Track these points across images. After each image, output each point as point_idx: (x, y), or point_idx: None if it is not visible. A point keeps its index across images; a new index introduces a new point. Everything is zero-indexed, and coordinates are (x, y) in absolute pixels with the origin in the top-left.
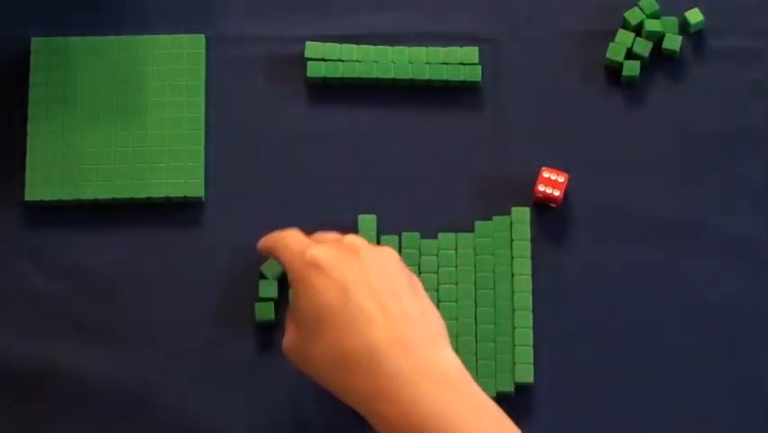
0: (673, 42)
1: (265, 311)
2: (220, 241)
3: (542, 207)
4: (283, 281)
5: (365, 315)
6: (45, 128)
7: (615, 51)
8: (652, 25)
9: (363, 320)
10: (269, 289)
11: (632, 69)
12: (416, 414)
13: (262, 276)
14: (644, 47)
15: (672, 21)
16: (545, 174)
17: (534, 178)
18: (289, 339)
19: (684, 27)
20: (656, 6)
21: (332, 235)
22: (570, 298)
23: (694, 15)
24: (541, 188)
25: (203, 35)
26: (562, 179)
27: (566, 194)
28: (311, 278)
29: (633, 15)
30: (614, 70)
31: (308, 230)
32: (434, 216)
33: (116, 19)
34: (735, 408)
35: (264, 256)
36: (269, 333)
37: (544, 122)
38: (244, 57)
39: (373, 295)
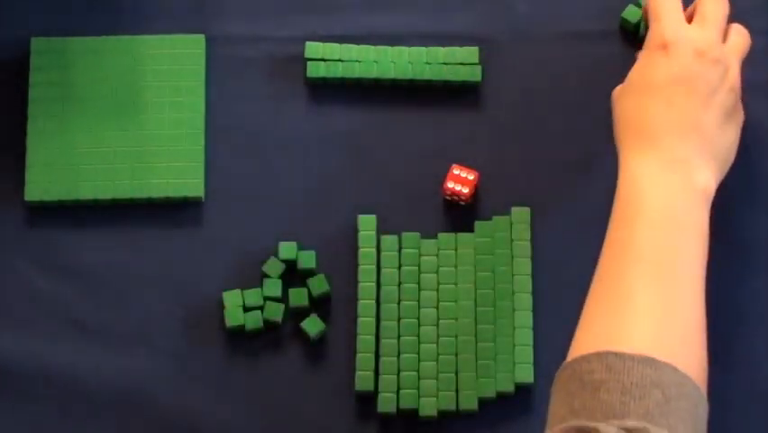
0: None
1: (273, 311)
2: (220, 241)
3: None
4: (285, 280)
5: (671, 105)
6: (45, 128)
7: (632, 13)
8: None
9: (665, 103)
10: (273, 288)
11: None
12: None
13: (265, 275)
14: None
15: None
16: (455, 171)
17: (533, 178)
18: (620, 87)
19: None
20: None
21: (711, 21)
22: (570, 298)
23: None
24: (450, 184)
25: (203, 35)
26: (471, 176)
27: (476, 192)
28: (655, 56)
29: (631, 14)
30: (613, 70)
31: (308, 230)
32: (434, 216)
33: (116, 19)
34: (735, 408)
35: (266, 256)
36: (269, 333)
37: (543, 122)
38: (244, 57)
39: (688, 99)
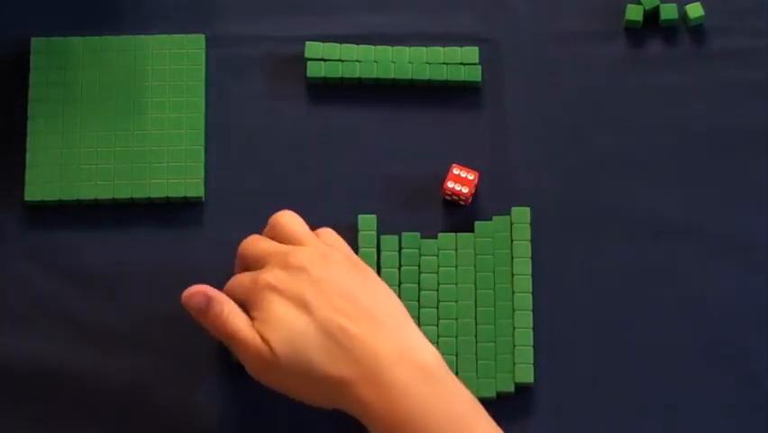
0: (671, 12)
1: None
2: (220, 241)
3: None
4: None
5: (331, 323)
6: (45, 128)
7: (634, 13)
8: (667, 13)
9: (332, 328)
10: None
11: (670, 12)
12: (394, 398)
13: None
14: (670, 11)
15: (672, 7)
16: (455, 171)
17: (533, 178)
18: (256, 358)
19: (684, 22)
20: (657, 2)
21: (272, 248)
22: (570, 298)
23: (694, 10)
24: (450, 184)
25: (203, 35)
26: (471, 176)
27: (476, 192)
28: (271, 300)
29: (634, 12)
30: (613, 70)
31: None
32: (433, 216)
33: (116, 19)
34: (735, 407)
35: None
36: None
37: (543, 122)
38: (244, 57)
39: (330, 304)
